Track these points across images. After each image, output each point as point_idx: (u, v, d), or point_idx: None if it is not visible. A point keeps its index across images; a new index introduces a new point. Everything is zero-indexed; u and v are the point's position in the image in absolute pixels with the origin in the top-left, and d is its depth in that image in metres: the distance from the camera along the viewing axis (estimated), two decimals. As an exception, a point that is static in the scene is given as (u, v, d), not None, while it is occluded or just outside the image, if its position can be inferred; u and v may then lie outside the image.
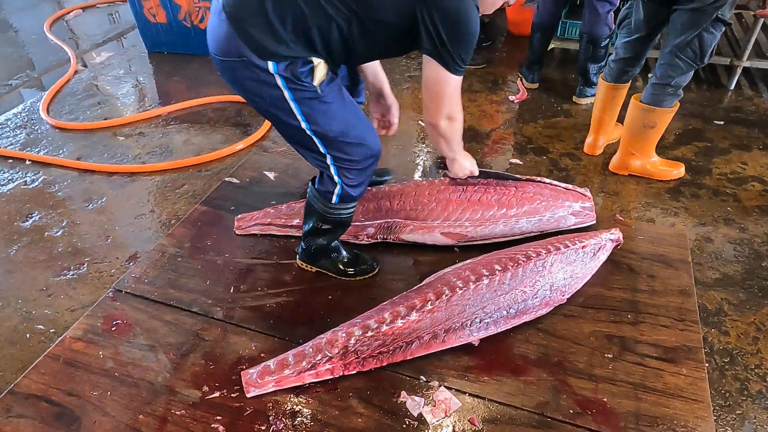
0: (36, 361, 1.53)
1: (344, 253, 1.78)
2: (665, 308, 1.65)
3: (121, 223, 2.29)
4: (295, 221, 1.95)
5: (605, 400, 1.39)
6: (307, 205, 1.70)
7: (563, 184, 2.00)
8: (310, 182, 1.68)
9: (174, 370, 1.50)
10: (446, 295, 1.50)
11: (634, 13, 2.24)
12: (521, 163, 2.61)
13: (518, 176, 1.96)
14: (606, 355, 1.51)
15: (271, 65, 1.32)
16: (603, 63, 2.93)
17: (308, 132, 1.45)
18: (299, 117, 1.41)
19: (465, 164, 1.78)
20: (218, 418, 1.37)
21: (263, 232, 1.96)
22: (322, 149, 1.49)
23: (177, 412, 1.38)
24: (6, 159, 2.75)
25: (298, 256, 1.82)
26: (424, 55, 1.38)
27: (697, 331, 1.57)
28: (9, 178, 2.61)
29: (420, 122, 2.95)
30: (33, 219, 2.33)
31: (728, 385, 1.63)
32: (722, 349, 1.74)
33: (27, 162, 2.72)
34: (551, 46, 3.38)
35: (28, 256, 2.13)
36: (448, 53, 1.33)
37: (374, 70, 1.77)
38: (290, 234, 1.94)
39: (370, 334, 1.46)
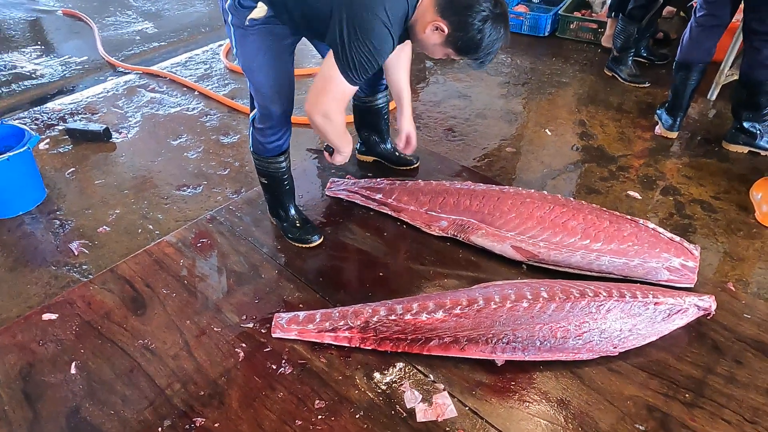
0: (136, 252, 1.85)
1: (292, 216, 1.90)
2: (738, 402, 1.39)
3: (241, 160, 2.60)
4: (378, 196, 2.02)
5: (613, 470, 1.25)
6: None
7: (670, 234, 1.77)
8: None
9: (227, 294, 1.70)
10: (478, 305, 1.46)
11: None
12: (639, 197, 2.34)
13: None
14: (636, 426, 1.34)
15: None
16: (764, 112, 2.42)
17: (236, 57, 1.66)
18: (233, 40, 1.61)
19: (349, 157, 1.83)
20: (243, 345, 1.53)
21: (348, 199, 2.07)
22: (248, 82, 1.70)
23: (215, 329, 1.58)
24: (182, 87, 3.26)
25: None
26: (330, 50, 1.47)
27: (767, 442, 1.31)
28: (178, 102, 3.10)
29: (547, 131, 2.79)
30: (180, 139, 2.75)
31: None
32: (795, 473, 1.42)
33: (195, 93, 3.19)
34: (735, 77, 2.91)
35: (165, 169, 2.54)
36: (345, 52, 1.41)
37: (398, 88, 1.92)
38: (370, 206, 2.02)
39: (393, 317, 1.49)
